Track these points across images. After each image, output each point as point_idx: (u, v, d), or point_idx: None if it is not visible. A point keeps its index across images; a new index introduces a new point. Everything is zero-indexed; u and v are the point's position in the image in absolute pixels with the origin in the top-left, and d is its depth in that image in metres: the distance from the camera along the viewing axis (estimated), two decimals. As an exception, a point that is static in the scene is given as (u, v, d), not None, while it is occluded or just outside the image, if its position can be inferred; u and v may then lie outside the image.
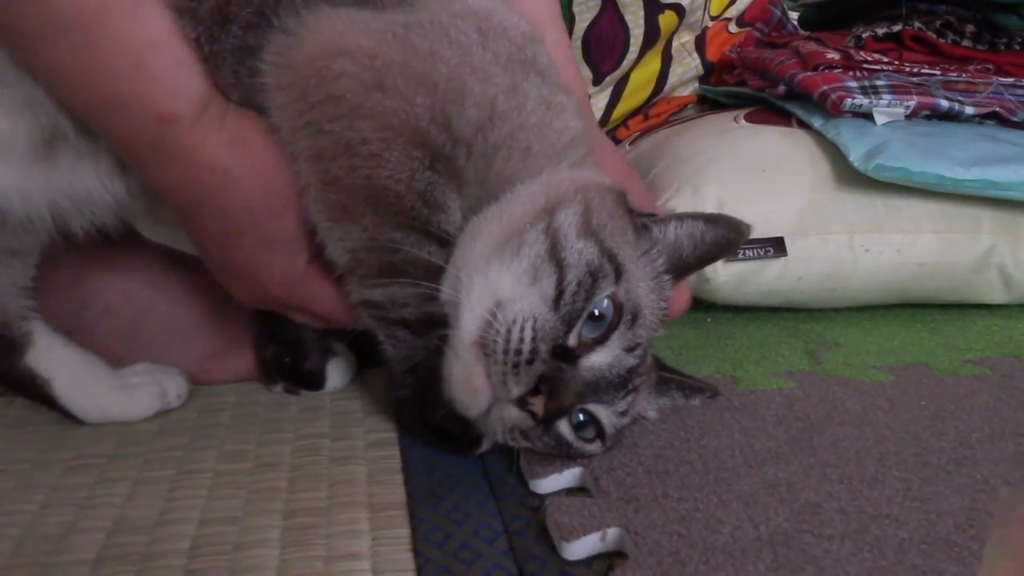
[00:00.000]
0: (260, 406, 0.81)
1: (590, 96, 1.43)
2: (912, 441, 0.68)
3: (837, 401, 0.76)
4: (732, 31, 1.50)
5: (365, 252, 0.64)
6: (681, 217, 0.67)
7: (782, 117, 1.11)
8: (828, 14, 1.37)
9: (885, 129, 0.99)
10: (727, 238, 0.67)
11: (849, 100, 1.00)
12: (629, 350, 0.60)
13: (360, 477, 0.68)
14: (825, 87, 1.03)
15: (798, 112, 1.08)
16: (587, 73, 1.43)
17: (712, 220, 0.67)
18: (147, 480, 0.68)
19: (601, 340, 0.59)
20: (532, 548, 0.57)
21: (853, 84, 1.03)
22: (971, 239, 0.96)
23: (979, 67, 1.06)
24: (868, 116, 1.02)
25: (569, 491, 0.64)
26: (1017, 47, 1.07)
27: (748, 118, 1.12)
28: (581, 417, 0.62)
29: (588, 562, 0.55)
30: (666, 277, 0.66)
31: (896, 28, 1.09)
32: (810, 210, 0.94)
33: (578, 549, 0.55)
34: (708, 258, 0.68)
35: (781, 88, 1.13)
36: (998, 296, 0.99)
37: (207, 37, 0.61)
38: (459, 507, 0.62)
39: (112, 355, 0.79)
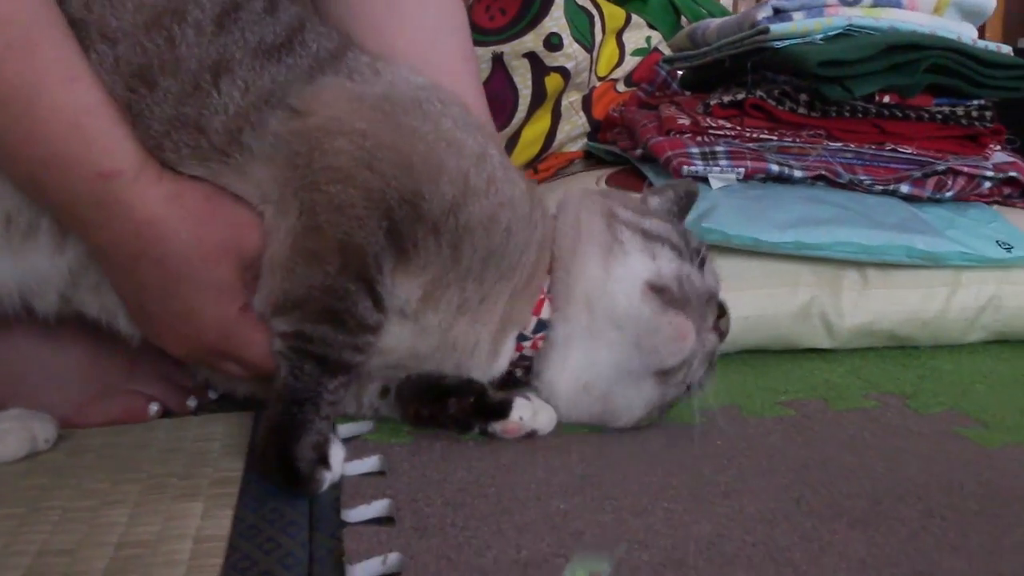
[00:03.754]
0: (124, 447, 0.87)
1: (483, 152, 1.53)
2: (692, 476, 0.76)
3: (640, 441, 0.84)
4: (620, 90, 1.61)
5: (320, 292, 0.71)
6: (655, 191, 0.89)
7: (640, 179, 1.21)
8: (702, 77, 1.47)
9: (719, 193, 1.09)
10: (688, 191, 0.90)
11: (687, 167, 1.10)
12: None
13: (195, 512, 0.75)
14: (670, 152, 1.14)
15: (650, 175, 1.18)
16: (480, 130, 1.52)
17: (672, 185, 0.90)
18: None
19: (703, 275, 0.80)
20: (328, 574, 0.64)
21: (695, 150, 1.13)
22: (791, 292, 1.06)
23: (811, 133, 1.17)
24: (707, 180, 1.12)
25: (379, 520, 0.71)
26: (847, 114, 1.17)
27: (609, 179, 1.22)
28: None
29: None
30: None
31: (740, 96, 1.20)
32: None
33: (360, 572, 0.62)
34: (684, 210, 0.90)
35: (638, 151, 1.23)
36: (823, 342, 1.09)
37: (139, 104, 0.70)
38: (274, 539, 0.69)
39: None
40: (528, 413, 0.80)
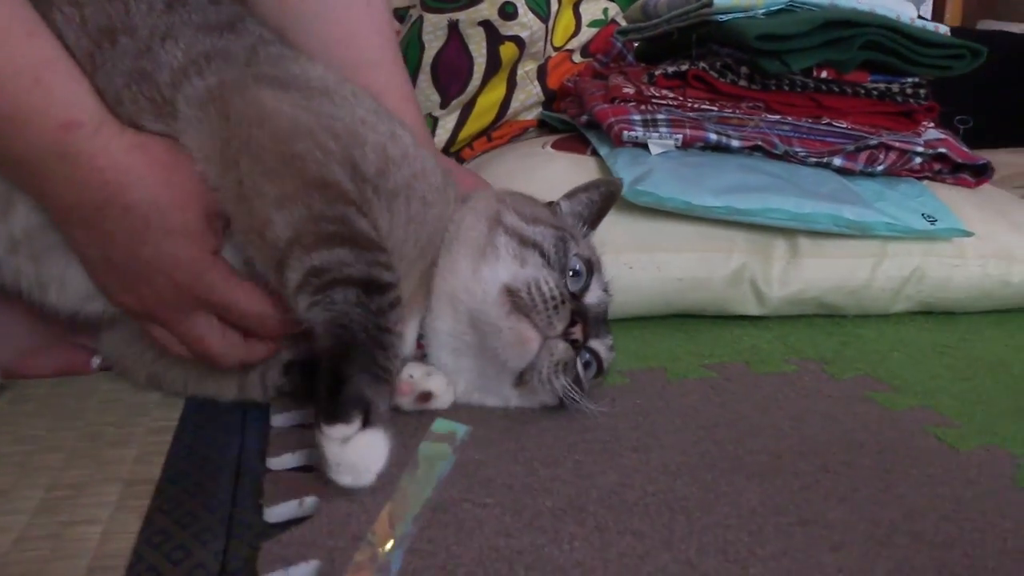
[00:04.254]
0: (65, 397, 0.90)
1: (438, 118, 1.55)
2: (606, 432, 0.80)
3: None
4: (575, 61, 1.63)
5: (310, 223, 0.69)
6: (569, 194, 0.90)
7: (583, 144, 1.23)
8: (654, 49, 1.49)
9: (657, 159, 1.12)
10: (608, 191, 0.91)
11: (627, 132, 1.13)
12: (604, 289, 0.83)
13: (128, 458, 0.78)
14: (613, 119, 1.16)
15: (593, 140, 1.20)
16: (436, 97, 1.55)
17: (592, 185, 0.91)
18: (-63, 460, 0.76)
19: (586, 285, 0.81)
20: (249, 517, 0.67)
21: (637, 117, 1.16)
22: (724, 257, 1.09)
23: (751, 104, 1.20)
24: (647, 147, 1.15)
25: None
26: (786, 88, 1.20)
27: (555, 145, 1.25)
28: (588, 357, 0.80)
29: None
30: (587, 232, 0.89)
31: (683, 68, 1.22)
32: (581, 231, 1.06)
33: (276, 513, 0.65)
34: (603, 210, 0.91)
35: (584, 117, 1.25)
36: (752, 308, 1.13)
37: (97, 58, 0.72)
38: (200, 483, 0.72)
39: None
40: (419, 373, 0.80)
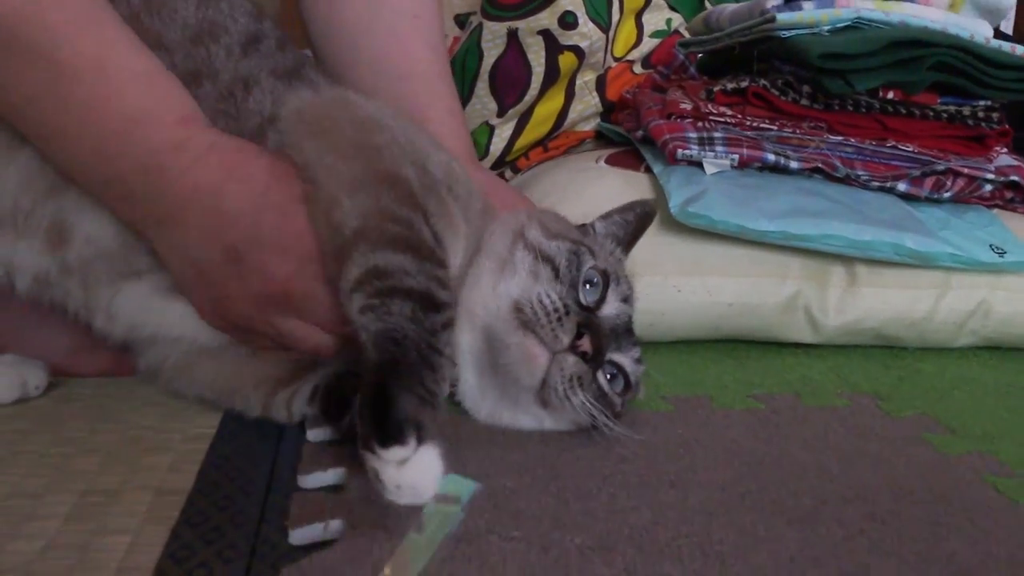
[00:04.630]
0: (110, 399, 0.91)
1: (495, 127, 1.54)
2: (644, 464, 0.78)
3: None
4: (636, 72, 1.60)
5: (378, 218, 0.69)
6: (604, 215, 0.89)
7: (638, 160, 1.21)
8: (716, 62, 1.46)
9: (712, 179, 1.09)
10: (644, 212, 0.90)
11: (681, 150, 1.10)
12: (624, 301, 0.80)
13: (163, 466, 0.78)
14: (668, 135, 1.14)
15: (648, 157, 1.18)
16: (493, 105, 1.54)
17: (626, 208, 0.90)
18: (-23, 457, 0.78)
19: (602, 297, 0.78)
20: (274, 534, 0.66)
21: (692, 135, 1.13)
22: (778, 283, 1.06)
23: (812, 124, 1.16)
24: (702, 165, 1.12)
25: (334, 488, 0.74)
26: (850, 108, 1.16)
27: (609, 160, 1.22)
28: (612, 371, 0.79)
29: None
30: (620, 252, 0.87)
31: (744, 84, 1.19)
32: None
33: (300, 536, 0.65)
34: (638, 231, 0.90)
35: (639, 132, 1.23)
36: (807, 336, 1.09)
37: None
38: (230, 496, 0.72)
39: None
40: None
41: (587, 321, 0.76)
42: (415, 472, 0.59)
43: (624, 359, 0.81)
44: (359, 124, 0.75)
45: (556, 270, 0.77)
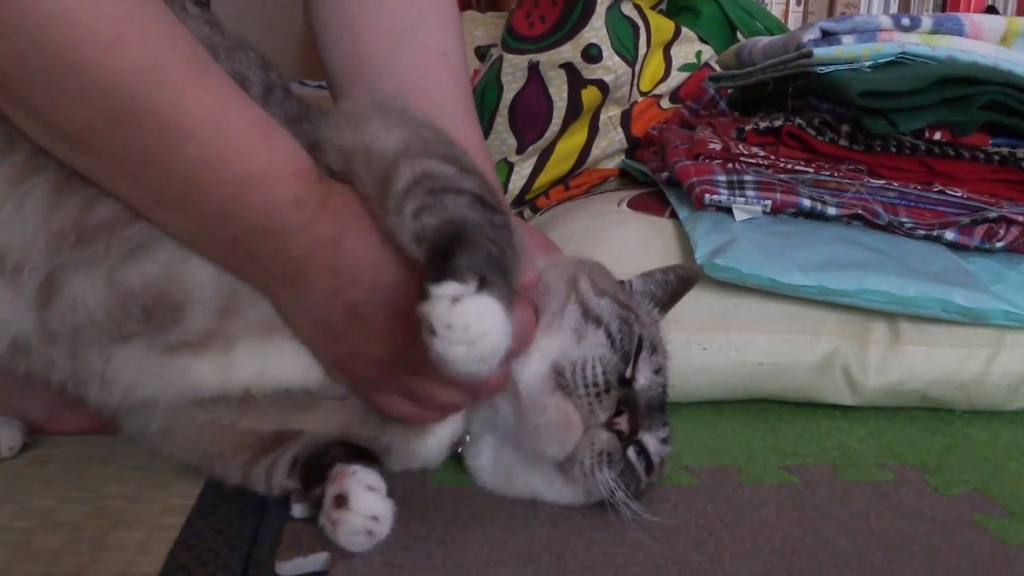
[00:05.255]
0: (86, 461, 0.85)
1: (514, 164, 1.47)
2: (664, 550, 0.70)
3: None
4: (664, 107, 1.53)
5: (421, 143, 0.67)
6: (644, 274, 0.83)
7: (662, 204, 1.13)
8: (748, 98, 1.38)
9: (742, 227, 1.01)
10: (686, 276, 0.84)
11: (709, 195, 1.02)
12: (656, 372, 0.75)
13: (132, 545, 0.71)
14: (695, 178, 1.06)
15: (673, 201, 1.10)
16: (512, 141, 1.47)
17: (667, 269, 0.84)
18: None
19: (637, 366, 0.73)
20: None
21: (722, 178, 1.05)
22: (813, 341, 0.97)
23: (851, 167, 1.08)
24: (731, 211, 1.04)
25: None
26: (892, 150, 1.08)
27: (631, 203, 1.15)
28: (637, 449, 0.73)
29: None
30: (657, 314, 0.81)
31: (777, 123, 1.11)
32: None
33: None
34: (677, 294, 0.84)
35: (664, 174, 1.15)
36: (845, 398, 1.00)
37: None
38: (199, 584, 0.65)
39: None
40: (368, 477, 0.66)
41: (627, 398, 0.70)
42: (469, 312, 0.52)
43: (650, 439, 0.74)
44: (397, 109, 0.73)
45: (610, 336, 0.72)
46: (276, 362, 0.72)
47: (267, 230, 0.65)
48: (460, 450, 0.79)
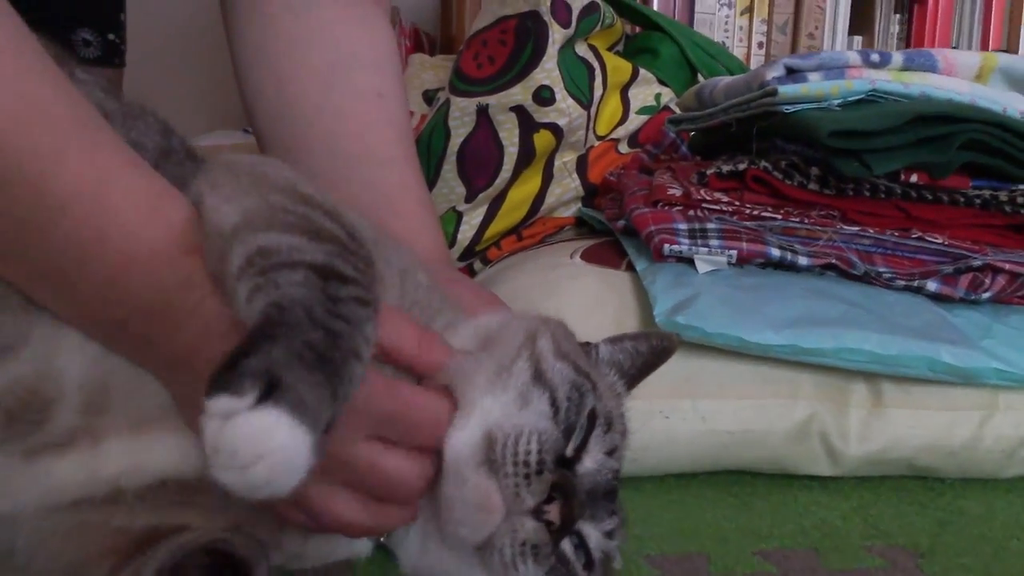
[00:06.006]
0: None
1: (463, 213, 1.38)
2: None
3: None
4: (622, 151, 1.45)
5: (267, 211, 0.56)
6: (613, 339, 0.71)
7: (619, 255, 1.04)
8: (710, 141, 1.31)
9: (706, 279, 0.92)
10: (662, 347, 0.72)
11: (669, 245, 0.93)
12: (609, 453, 0.63)
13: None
14: (653, 227, 0.97)
15: (631, 251, 1.01)
16: (461, 189, 1.38)
17: (642, 336, 0.73)
18: None
19: (583, 445, 0.61)
20: None
21: (683, 226, 0.97)
22: (787, 406, 0.88)
23: (823, 213, 0.99)
24: (693, 262, 0.95)
25: None
26: (867, 194, 0.99)
27: (585, 255, 1.06)
28: (576, 540, 0.61)
29: None
30: (621, 387, 0.70)
31: (741, 166, 1.02)
32: (605, 371, 0.86)
33: None
34: (649, 367, 0.72)
35: (621, 222, 1.06)
36: (823, 468, 0.90)
37: None
38: None
39: None
40: None
41: (564, 483, 0.58)
42: (242, 432, 0.42)
43: (592, 531, 0.62)
44: (248, 172, 0.61)
45: (555, 405, 0.60)
46: (151, 452, 0.60)
47: (154, 314, 0.56)
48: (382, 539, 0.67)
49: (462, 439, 0.59)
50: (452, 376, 0.61)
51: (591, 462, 0.61)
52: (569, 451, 0.60)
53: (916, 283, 0.96)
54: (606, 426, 0.63)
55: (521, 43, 1.33)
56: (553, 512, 0.57)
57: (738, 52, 2.01)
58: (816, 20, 2.05)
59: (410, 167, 0.87)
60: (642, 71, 1.50)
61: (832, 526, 0.83)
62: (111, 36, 1.05)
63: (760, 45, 2.07)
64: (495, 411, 0.60)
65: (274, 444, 0.43)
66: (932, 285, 0.96)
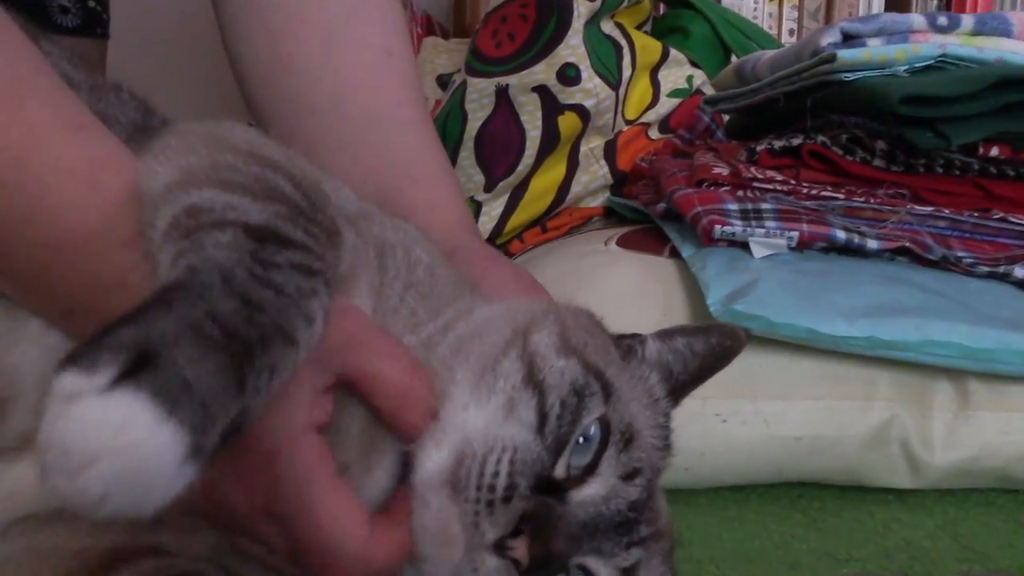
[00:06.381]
0: None
1: (482, 203, 1.27)
2: None
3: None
4: (652, 137, 1.35)
5: (208, 169, 0.48)
6: (662, 334, 0.60)
7: (660, 241, 0.93)
8: (753, 122, 1.20)
9: (763, 265, 0.82)
10: (723, 346, 0.60)
11: (720, 227, 0.83)
12: (627, 477, 0.51)
13: None
14: (700, 208, 0.87)
15: (674, 237, 0.90)
16: (479, 178, 1.29)
17: (701, 330, 0.61)
18: None
19: (591, 468, 0.50)
20: None
21: (733, 206, 0.86)
22: (862, 408, 0.77)
23: (891, 191, 0.88)
24: (748, 247, 0.84)
25: None
26: (940, 169, 0.89)
27: (621, 241, 0.96)
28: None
29: None
30: (663, 397, 0.58)
31: (796, 142, 0.92)
32: (653, 366, 0.75)
33: None
34: (705, 371, 0.61)
35: (661, 206, 0.96)
36: (903, 480, 0.79)
37: None
38: None
39: None
40: None
41: (538, 512, 0.47)
42: (81, 422, 0.32)
43: (601, 567, 0.50)
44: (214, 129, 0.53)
45: (541, 414, 0.49)
46: None
47: (93, 311, 0.47)
48: None
49: (435, 458, 0.49)
50: (434, 374, 0.51)
51: (600, 487, 0.50)
52: (559, 472, 0.49)
53: (1001, 269, 0.86)
54: (624, 442, 0.52)
55: (544, 17, 1.24)
56: (519, 549, 0.47)
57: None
58: (850, 5, 1.95)
59: (427, 129, 0.77)
60: (672, 51, 1.40)
61: (920, 547, 0.72)
62: (91, 3, 0.95)
63: (791, 32, 1.97)
64: (479, 422, 0.50)
65: (123, 441, 0.32)
66: (1019, 271, 0.86)
